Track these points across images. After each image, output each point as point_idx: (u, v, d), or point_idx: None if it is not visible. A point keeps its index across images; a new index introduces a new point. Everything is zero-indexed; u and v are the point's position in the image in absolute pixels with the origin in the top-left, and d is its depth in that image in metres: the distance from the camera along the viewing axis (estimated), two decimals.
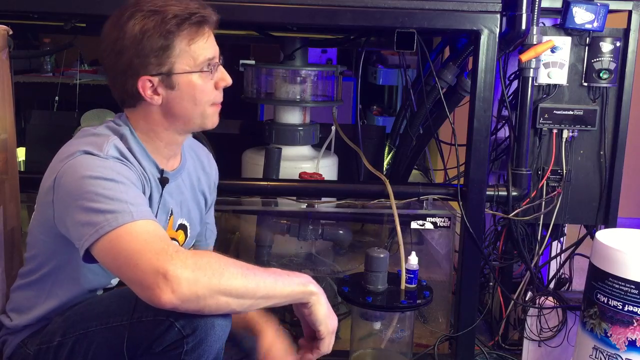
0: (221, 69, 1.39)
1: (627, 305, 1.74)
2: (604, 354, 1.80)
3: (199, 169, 1.58)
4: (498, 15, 1.96)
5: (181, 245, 1.52)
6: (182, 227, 1.53)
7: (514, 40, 2.03)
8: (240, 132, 2.82)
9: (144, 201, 1.28)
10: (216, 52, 1.37)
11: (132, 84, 1.33)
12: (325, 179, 2.34)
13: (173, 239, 1.48)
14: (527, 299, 2.23)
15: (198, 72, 1.34)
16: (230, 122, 2.85)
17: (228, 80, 1.39)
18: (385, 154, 2.99)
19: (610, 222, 2.21)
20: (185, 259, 1.13)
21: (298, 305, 1.28)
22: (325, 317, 1.29)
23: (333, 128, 2.51)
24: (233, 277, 1.16)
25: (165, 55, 1.31)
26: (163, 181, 1.40)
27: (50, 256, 1.37)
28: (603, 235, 1.86)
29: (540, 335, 2.19)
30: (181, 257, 1.13)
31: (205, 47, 1.35)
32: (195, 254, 1.18)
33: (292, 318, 2.30)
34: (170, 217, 1.46)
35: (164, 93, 1.35)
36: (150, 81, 1.33)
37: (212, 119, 1.40)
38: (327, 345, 1.32)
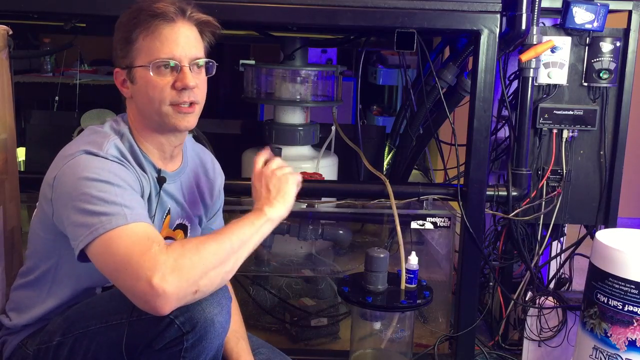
0: (185, 71, 1.34)
1: (627, 305, 1.74)
2: (604, 354, 1.80)
3: (201, 174, 1.58)
4: (498, 15, 1.96)
5: None
6: (182, 227, 1.53)
7: (514, 40, 2.03)
8: (240, 132, 2.82)
9: (139, 204, 1.28)
10: (179, 52, 1.34)
11: (114, 76, 1.41)
12: (325, 179, 2.34)
13: (170, 238, 1.49)
14: (527, 299, 2.23)
15: (149, 68, 1.33)
16: (230, 122, 2.85)
17: (185, 82, 1.33)
18: (385, 154, 2.98)
19: (610, 222, 2.21)
20: (167, 256, 1.15)
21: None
22: (288, 204, 1.36)
23: (333, 128, 2.51)
24: (209, 247, 1.19)
25: (127, 49, 1.35)
26: (160, 180, 1.41)
27: (49, 253, 1.38)
28: (603, 235, 1.86)
29: (540, 335, 2.19)
30: (163, 258, 1.15)
31: (159, 44, 1.33)
32: (168, 248, 1.18)
33: (292, 318, 2.31)
34: (166, 216, 1.47)
35: (130, 87, 1.39)
36: (120, 73, 1.39)
37: (173, 120, 1.36)
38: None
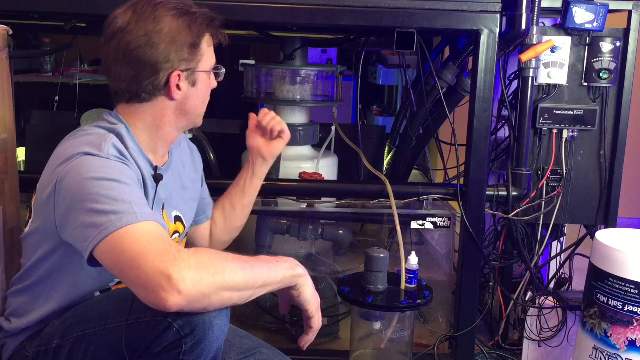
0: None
1: (627, 305, 1.74)
2: (604, 354, 1.80)
3: (185, 157, 1.63)
4: (498, 15, 1.96)
5: (181, 234, 1.56)
6: (178, 218, 1.54)
7: (514, 40, 2.03)
8: (241, 132, 2.81)
9: (146, 202, 1.28)
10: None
11: (162, 77, 1.37)
12: (325, 179, 2.34)
13: (175, 231, 1.52)
14: (527, 299, 2.23)
15: (215, 72, 1.48)
16: (230, 122, 2.85)
17: (215, 84, 1.52)
18: (385, 154, 2.99)
19: (610, 222, 2.21)
20: (188, 258, 1.13)
21: (286, 289, 1.29)
22: (312, 296, 1.32)
23: (333, 128, 2.51)
24: (234, 272, 1.18)
25: (194, 53, 1.40)
26: (157, 178, 1.42)
27: (49, 260, 1.36)
28: (603, 235, 1.86)
29: (540, 335, 2.19)
30: (184, 257, 1.13)
31: (212, 51, 1.47)
32: (196, 252, 1.17)
33: (292, 318, 2.31)
34: (162, 210, 1.48)
35: (185, 89, 1.41)
36: (179, 76, 1.39)
37: (200, 119, 1.52)
38: (317, 321, 1.35)
